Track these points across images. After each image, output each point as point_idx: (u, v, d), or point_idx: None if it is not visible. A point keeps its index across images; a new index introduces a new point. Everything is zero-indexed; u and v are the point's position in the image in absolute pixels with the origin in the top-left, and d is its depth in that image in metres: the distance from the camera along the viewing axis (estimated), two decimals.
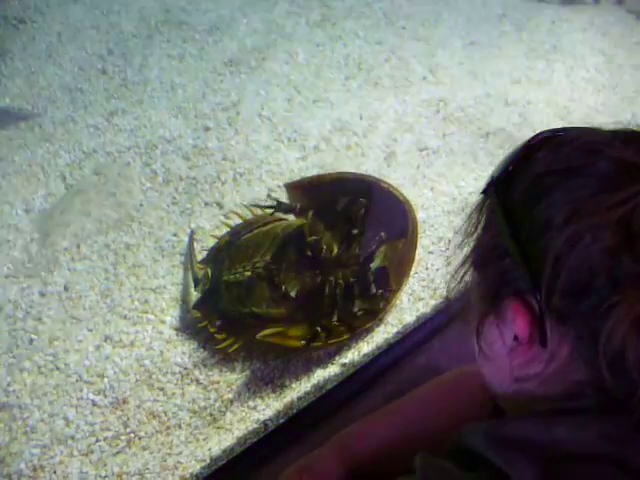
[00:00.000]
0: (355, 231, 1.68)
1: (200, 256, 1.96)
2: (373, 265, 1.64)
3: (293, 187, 1.90)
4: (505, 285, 0.74)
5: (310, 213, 1.79)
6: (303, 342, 1.59)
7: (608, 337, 0.64)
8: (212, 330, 1.71)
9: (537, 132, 0.79)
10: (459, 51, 3.02)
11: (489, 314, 0.78)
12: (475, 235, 0.83)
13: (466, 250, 0.84)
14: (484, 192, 0.81)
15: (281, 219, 1.87)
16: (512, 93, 2.68)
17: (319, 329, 1.60)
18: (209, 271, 1.83)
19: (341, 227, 1.71)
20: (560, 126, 0.81)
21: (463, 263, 0.84)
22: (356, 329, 1.65)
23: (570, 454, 0.67)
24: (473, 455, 0.71)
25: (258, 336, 1.57)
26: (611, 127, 0.77)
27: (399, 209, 1.69)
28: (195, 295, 1.86)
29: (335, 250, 1.68)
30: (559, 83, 2.76)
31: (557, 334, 0.69)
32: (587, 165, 0.69)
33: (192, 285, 1.88)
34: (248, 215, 1.96)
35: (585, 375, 0.69)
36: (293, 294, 1.64)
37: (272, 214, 1.90)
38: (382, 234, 1.68)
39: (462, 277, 0.85)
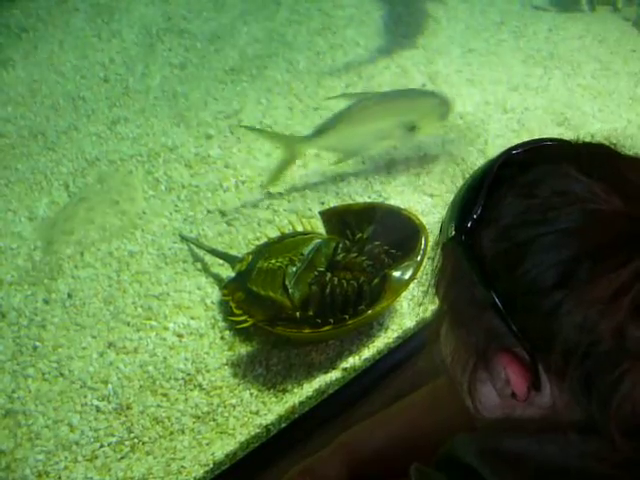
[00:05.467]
0: (369, 246, 1.77)
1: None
2: (375, 281, 1.68)
3: (326, 214, 1.96)
4: (492, 340, 0.71)
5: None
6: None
7: (620, 404, 0.64)
8: (232, 304, 1.79)
9: (491, 159, 0.77)
10: (458, 59, 3.04)
11: (477, 369, 0.75)
12: (445, 285, 0.80)
13: (437, 301, 0.82)
14: (448, 241, 0.77)
15: (320, 234, 1.96)
16: (510, 100, 2.70)
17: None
18: (250, 258, 1.91)
19: (361, 245, 1.80)
20: (541, 136, 0.80)
21: (437, 316, 0.83)
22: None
23: (561, 472, 0.68)
24: (465, 466, 0.72)
25: (257, 321, 1.72)
26: (571, 137, 0.77)
27: (415, 235, 1.76)
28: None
29: (349, 257, 1.75)
30: (556, 90, 2.78)
31: (555, 385, 0.69)
32: (564, 217, 0.67)
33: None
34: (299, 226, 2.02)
35: (581, 417, 0.68)
36: (296, 289, 1.71)
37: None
38: (395, 256, 1.76)
39: (438, 329, 0.84)
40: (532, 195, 0.71)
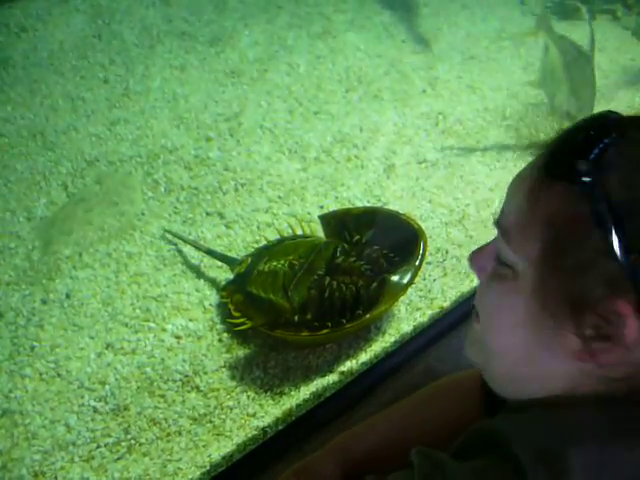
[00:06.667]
0: (368, 250, 1.77)
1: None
2: (373, 286, 1.68)
3: (326, 218, 1.96)
4: (605, 285, 0.69)
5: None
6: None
7: None
8: (231, 307, 1.80)
9: (602, 112, 0.77)
10: (458, 65, 3.05)
11: (580, 314, 0.72)
12: (551, 230, 0.74)
13: (524, 245, 0.77)
14: (558, 179, 0.73)
15: (319, 237, 1.97)
16: (510, 107, 2.71)
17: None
18: (249, 260, 1.91)
19: (360, 249, 1.80)
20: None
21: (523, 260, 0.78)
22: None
23: None
24: (484, 443, 0.72)
25: (255, 324, 1.73)
26: None
27: (414, 239, 1.76)
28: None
29: (347, 261, 1.74)
30: None
31: None
32: None
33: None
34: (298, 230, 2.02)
35: None
36: (296, 292, 1.70)
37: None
38: (393, 260, 1.75)
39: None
40: None
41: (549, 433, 0.71)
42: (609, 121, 0.75)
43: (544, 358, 0.77)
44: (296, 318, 1.68)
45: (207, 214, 2.20)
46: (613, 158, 0.70)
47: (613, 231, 0.68)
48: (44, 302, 1.92)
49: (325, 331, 1.64)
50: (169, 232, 2.11)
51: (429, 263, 1.96)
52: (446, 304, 1.84)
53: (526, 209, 0.76)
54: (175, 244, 2.09)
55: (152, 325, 1.83)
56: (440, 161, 2.41)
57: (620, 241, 0.67)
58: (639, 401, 0.71)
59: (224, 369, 1.71)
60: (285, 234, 2.00)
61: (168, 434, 1.57)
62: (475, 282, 1.88)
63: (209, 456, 1.51)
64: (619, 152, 0.71)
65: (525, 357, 0.79)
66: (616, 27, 3.44)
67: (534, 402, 0.80)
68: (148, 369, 1.71)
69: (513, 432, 0.71)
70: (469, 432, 0.77)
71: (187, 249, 2.07)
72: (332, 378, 1.67)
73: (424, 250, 1.73)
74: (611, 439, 0.69)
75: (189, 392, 1.66)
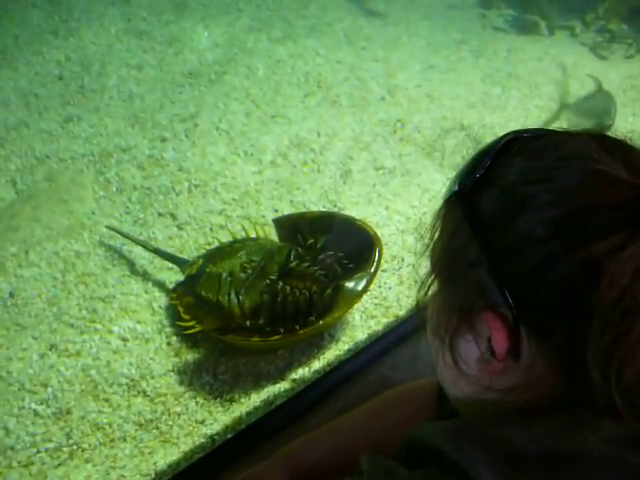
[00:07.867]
0: (322, 256, 1.75)
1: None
2: (327, 292, 1.66)
3: (280, 221, 1.94)
4: (479, 297, 0.71)
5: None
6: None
7: (621, 370, 0.63)
8: (180, 309, 1.77)
9: (502, 135, 0.78)
10: (417, 74, 3.07)
11: (461, 326, 0.75)
12: (441, 243, 0.79)
13: (430, 259, 0.81)
14: (449, 198, 0.77)
15: (273, 241, 1.95)
16: (468, 117, 2.73)
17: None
18: (200, 262, 1.88)
19: (314, 254, 1.78)
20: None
21: (429, 273, 0.82)
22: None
23: (535, 456, 0.65)
24: (421, 453, 0.70)
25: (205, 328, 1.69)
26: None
27: (369, 246, 1.74)
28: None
29: (301, 266, 1.72)
30: (514, 109, 2.83)
31: (535, 348, 0.68)
32: (566, 176, 0.68)
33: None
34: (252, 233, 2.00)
35: (560, 388, 0.69)
36: (247, 297, 1.68)
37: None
38: (348, 267, 1.73)
39: (428, 287, 0.82)
40: (539, 158, 0.72)
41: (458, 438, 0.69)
42: (498, 142, 0.76)
43: (440, 359, 0.81)
44: (248, 323, 1.65)
45: (159, 215, 2.16)
46: (492, 175, 0.73)
47: (483, 242, 0.70)
48: None
49: (277, 337, 1.62)
50: (111, 228, 2.08)
51: (385, 271, 1.95)
52: (401, 313, 1.83)
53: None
54: (125, 244, 2.04)
55: (98, 327, 1.78)
56: (397, 168, 2.41)
57: (489, 254, 0.69)
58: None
59: (172, 373, 1.67)
60: (238, 237, 1.97)
61: (112, 440, 1.52)
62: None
63: (155, 464, 1.47)
64: (497, 171, 0.74)
65: (435, 357, 0.83)
66: (574, 43, 3.51)
67: (469, 406, 0.81)
68: (93, 372, 1.66)
69: (434, 437, 0.70)
70: (405, 440, 0.75)
71: (138, 250, 2.02)
72: (283, 385, 1.64)
73: (379, 257, 1.72)
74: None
75: (135, 397, 1.61)
